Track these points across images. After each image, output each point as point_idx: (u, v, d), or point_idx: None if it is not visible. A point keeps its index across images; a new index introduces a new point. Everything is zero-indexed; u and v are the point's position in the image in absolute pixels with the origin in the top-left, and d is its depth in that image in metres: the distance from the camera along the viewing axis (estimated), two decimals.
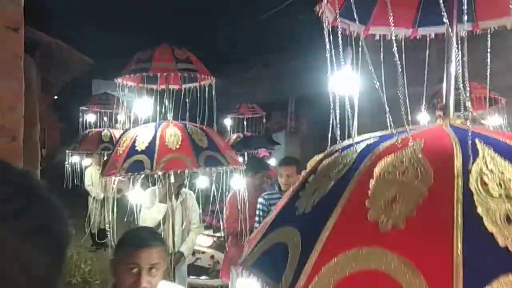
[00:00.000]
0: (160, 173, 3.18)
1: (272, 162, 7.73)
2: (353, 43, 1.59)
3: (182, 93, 3.62)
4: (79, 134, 7.33)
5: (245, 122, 8.94)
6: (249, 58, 13.76)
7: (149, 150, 3.00)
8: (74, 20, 11.66)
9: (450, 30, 1.30)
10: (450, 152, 0.98)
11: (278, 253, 1.03)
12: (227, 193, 4.17)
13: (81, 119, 7.48)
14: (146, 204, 4.01)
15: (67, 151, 7.27)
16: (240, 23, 12.56)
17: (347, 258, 0.89)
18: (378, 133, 1.29)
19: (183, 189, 4.17)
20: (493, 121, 4.78)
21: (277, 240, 1.08)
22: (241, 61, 14.01)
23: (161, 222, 3.76)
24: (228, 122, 9.07)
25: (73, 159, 7.46)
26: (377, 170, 0.99)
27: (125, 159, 3.01)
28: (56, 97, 12.73)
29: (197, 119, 3.46)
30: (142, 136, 3.13)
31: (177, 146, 3.03)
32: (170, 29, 12.79)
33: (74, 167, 7.40)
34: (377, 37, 1.73)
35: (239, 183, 3.57)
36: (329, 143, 1.50)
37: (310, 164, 1.42)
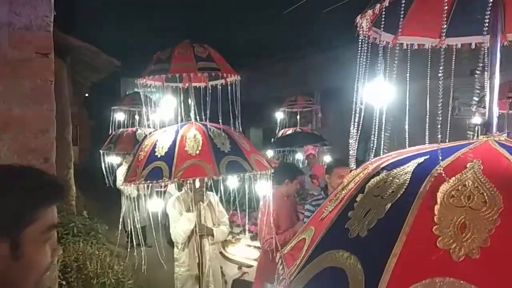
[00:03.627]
0: (176, 181, 3.01)
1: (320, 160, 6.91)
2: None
3: (209, 91, 3.41)
4: (111, 133, 7.22)
5: (298, 116, 8.16)
6: (274, 52, 13.63)
7: (168, 156, 2.83)
8: (101, 23, 11.81)
9: (493, 43, 1.25)
10: None
11: (335, 279, 0.97)
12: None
13: (112, 118, 7.36)
14: (173, 217, 3.89)
15: (101, 151, 7.14)
16: (265, 18, 12.43)
17: None
18: (422, 149, 1.22)
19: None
20: None
21: (330, 264, 1.01)
22: (266, 56, 13.90)
23: (195, 230, 3.66)
24: (279, 115, 8.27)
25: (109, 159, 7.44)
26: (440, 195, 0.93)
27: (145, 166, 2.85)
28: (86, 95, 12.99)
29: (228, 117, 3.32)
30: (163, 141, 2.95)
31: (197, 152, 2.85)
32: (195, 24, 12.81)
33: (108, 167, 7.42)
34: (405, 46, 1.70)
35: (266, 189, 3.30)
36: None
37: (348, 180, 1.34)
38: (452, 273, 0.82)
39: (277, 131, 8.39)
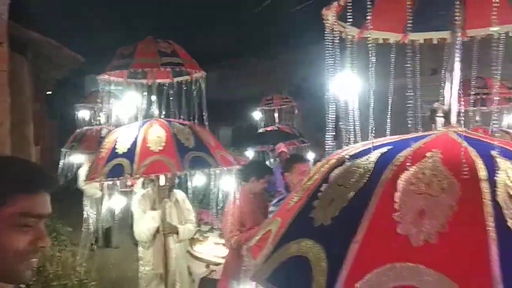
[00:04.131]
0: (138, 177, 2.90)
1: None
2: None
3: (174, 88, 3.38)
4: (76, 131, 6.99)
5: (276, 114, 8.12)
6: (243, 51, 13.65)
7: (130, 153, 2.78)
8: (65, 19, 11.46)
9: (454, 38, 1.30)
10: (472, 165, 0.94)
11: (299, 268, 0.97)
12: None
13: (76, 116, 7.19)
14: (137, 216, 3.80)
15: (63, 150, 6.89)
16: (236, 17, 12.42)
17: (381, 274, 0.84)
18: (386, 140, 1.23)
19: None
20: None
21: (294, 253, 1.02)
22: (235, 55, 13.90)
23: (159, 229, 3.58)
24: (257, 115, 8.30)
25: (72, 158, 7.19)
26: (400, 182, 0.95)
27: (106, 163, 2.79)
28: (49, 92, 12.57)
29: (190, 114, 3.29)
30: (124, 138, 2.89)
31: (160, 148, 2.81)
32: (164, 23, 12.64)
33: (66, 167, 7.07)
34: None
35: (231, 185, 3.31)
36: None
37: (315, 171, 1.34)
38: (411, 258, 0.83)
39: (259, 130, 8.33)
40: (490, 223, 0.82)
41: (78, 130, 7.01)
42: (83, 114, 7.20)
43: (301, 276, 0.95)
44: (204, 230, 5.33)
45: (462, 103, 1.39)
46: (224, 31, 13.47)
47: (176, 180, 4.05)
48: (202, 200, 4.73)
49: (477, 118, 5.24)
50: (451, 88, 1.33)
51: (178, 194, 4.07)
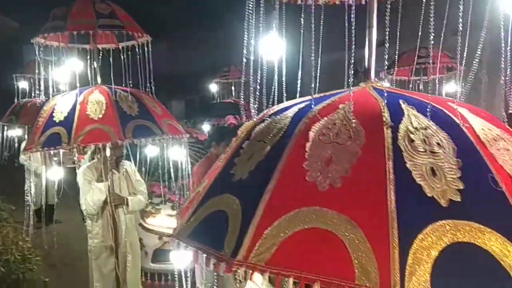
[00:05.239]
0: (76, 146, 2.80)
1: None
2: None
3: (120, 54, 3.21)
4: (14, 104, 6.66)
5: (233, 87, 8.06)
6: (194, 23, 13.35)
7: (68, 121, 2.69)
8: None
9: None
10: (378, 113, 1.01)
11: (217, 222, 1.01)
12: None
13: (15, 87, 6.82)
14: (83, 188, 3.70)
15: (1, 123, 6.59)
16: None
17: (289, 219, 0.89)
18: (308, 97, 1.29)
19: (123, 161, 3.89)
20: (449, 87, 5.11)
21: (214, 208, 1.06)
22: (186, 27, 13.58)
23: (108, 200, 3.52)
24: (214, 87, 8.19)
25: (11, 132, 6.87)
26: (312, 133, 1.00)
27: (42, 132, 2.71)
28: None
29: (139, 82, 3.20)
30: (61, 105, 2.78)
31: (100, 116, 2.72)
32: None
33: (12, 141, 6.87)
34: (299, 2, 1.68)
35: (179, 154, 3.31)
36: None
37: (242, 131, 1.39)
38: (318, 202, 0.90)
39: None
40: (390, 165, 0.90)
41: (16, 102, 6.67)
42: (21, 85, 6.84)
43: (219, 230, 0.99)
44: (156, 203, 5.34)
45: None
46: (175, 2, 13.06)
47: (124, 151, 3.98)
48: (154, 173, 4.69)
49: (421, 87, 5.51)
50: (369, 45, 1.36)
51: (128, 165, 4.02)
